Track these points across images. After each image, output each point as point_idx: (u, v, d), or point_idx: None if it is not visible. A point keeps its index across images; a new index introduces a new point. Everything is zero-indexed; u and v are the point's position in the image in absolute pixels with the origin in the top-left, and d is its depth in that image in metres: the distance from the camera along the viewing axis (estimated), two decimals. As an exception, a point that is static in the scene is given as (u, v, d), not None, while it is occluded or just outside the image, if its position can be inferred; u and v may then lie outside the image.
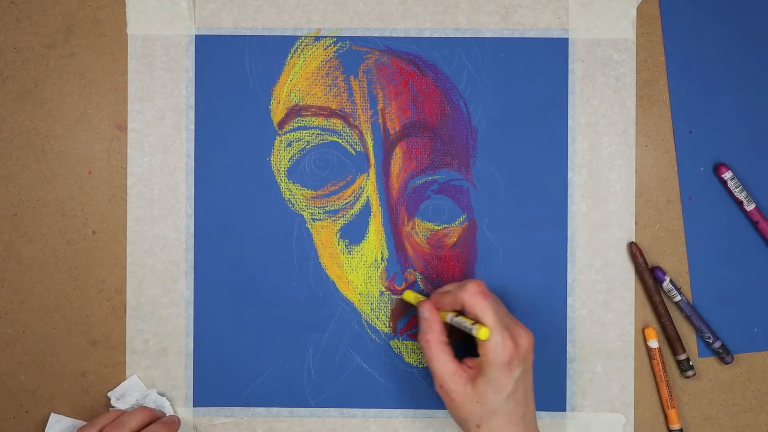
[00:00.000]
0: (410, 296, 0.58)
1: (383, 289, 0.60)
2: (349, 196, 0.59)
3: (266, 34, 0.60)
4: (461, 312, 0.54)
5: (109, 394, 0.59)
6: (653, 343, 0.59)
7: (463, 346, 0.56)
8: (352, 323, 0.60)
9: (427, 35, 0.60)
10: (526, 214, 0.60)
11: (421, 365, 0.60)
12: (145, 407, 0.57)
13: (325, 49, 0.60)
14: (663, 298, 0.59)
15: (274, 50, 0.60)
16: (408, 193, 0.59)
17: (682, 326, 0.60)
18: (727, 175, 0.58)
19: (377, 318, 0.60)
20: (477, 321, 0.52)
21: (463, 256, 0.60)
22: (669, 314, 0.59)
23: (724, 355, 0.59)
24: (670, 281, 0.59)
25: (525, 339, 0.52)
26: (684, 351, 0.59)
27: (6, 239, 0.60)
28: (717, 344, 0.59)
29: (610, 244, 0.60)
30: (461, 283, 0.54)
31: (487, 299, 0.52)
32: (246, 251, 0.60)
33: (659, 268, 0.59)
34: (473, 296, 0.52)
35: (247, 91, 0.60)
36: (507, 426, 0.52)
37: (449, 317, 0.54)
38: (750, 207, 0.58)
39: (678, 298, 0.59)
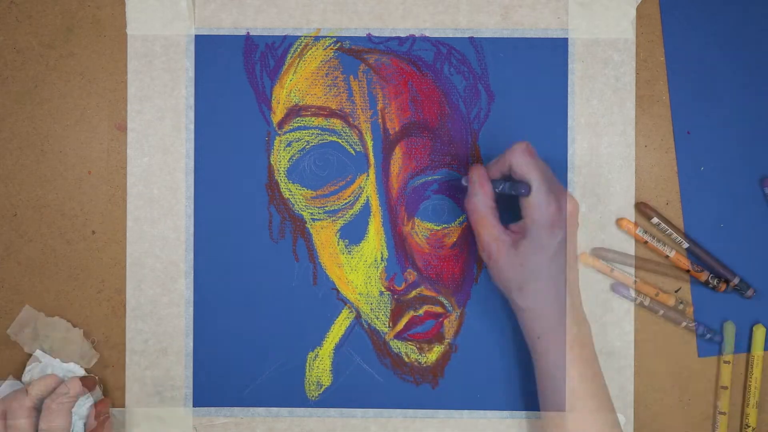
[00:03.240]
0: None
1: (383, 289, 0.60)
2: (349, 196, 0.59)
3: (266, 34, 0.60)
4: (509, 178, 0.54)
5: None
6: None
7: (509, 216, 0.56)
8: (352, 323, 0.60)
9: (427, 35, 0.60)
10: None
11: (421, 364, 0.60)
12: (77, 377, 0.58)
13: (325, 49, 0.60)
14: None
15: (274, 50, 0.60)
16: (408, 193, 0.59)
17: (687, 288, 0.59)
18: None
19: (377, 318, 0.60)
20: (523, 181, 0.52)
21: (463, 256, 0.60)
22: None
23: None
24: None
25: (570, 203, 0.52)
26: (734, 274, 0.59)
27: (6, 239, 0.60)
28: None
29: (610, 244, 0.60)
30: (509, 147, 0.54)
31: (534, 157, 0.52)
32: (246, 251, 0.60)
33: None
34: (520, 155, 0.52)
35: (247, 91, 0.60)
36: (549, 290, 0.52)
37: (498, 186, 0.54)
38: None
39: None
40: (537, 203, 0.52)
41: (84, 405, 0.57)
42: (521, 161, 0.52)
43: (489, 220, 0.53)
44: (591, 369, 0.53)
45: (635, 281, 0.59)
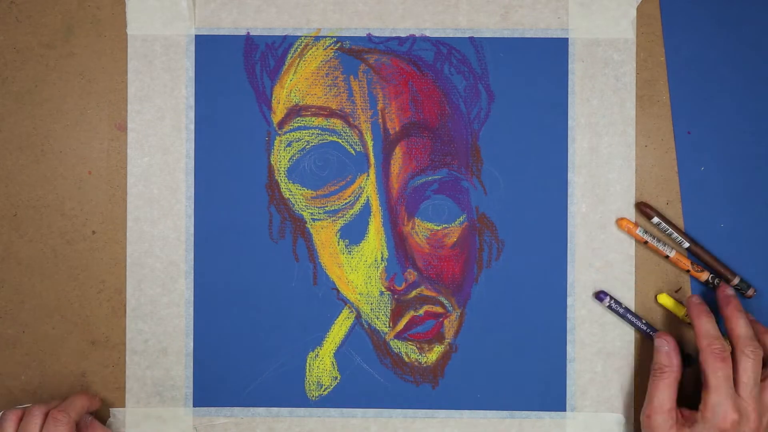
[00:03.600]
0: (668, 301, 0.59)
1: (383, 289, 0.60)
2: (349, 196, 0.59)
3: (266, 34, 0.60)
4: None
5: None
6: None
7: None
8: (352, 323, 0.60)
9: (427, 35, 0.60)
10: (526, 214, 0.60)
11: (421, 364, 0.60)
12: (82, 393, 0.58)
13: (325, 49, 0.60)
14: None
15: (274, 50, 0.60)
16: (408, 193, 0.59)
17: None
18: None
19: (377, 318, 0.60)
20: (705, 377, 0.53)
21: (463, 256, 0.60)
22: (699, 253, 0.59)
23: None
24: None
25: (752, 425, 0.52)
26: (735, 274, 0.59)
27: (6, 239, 0.60)
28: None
29: (610, 244, 0.60)
30: (709, 334, 0.54)
31: (724, 363, 0.52)
32: (246, 251, 0.60)
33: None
34: (710, 356, 0.53)
35: (247, 91, 0.60)
36: None
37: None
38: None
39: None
40: (714, 404, 0.52)
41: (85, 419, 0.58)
42: (711, 363, 0.53)
43: (668, 392, 0.54)
44: None
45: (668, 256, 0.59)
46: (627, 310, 0.59)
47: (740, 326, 0.54)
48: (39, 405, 0.55)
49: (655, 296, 0.59)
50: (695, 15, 0.60)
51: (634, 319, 0.59)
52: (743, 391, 0.53)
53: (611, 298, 0.59)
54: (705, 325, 0.55)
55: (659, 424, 0.53)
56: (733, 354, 0.54)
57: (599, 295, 0.59)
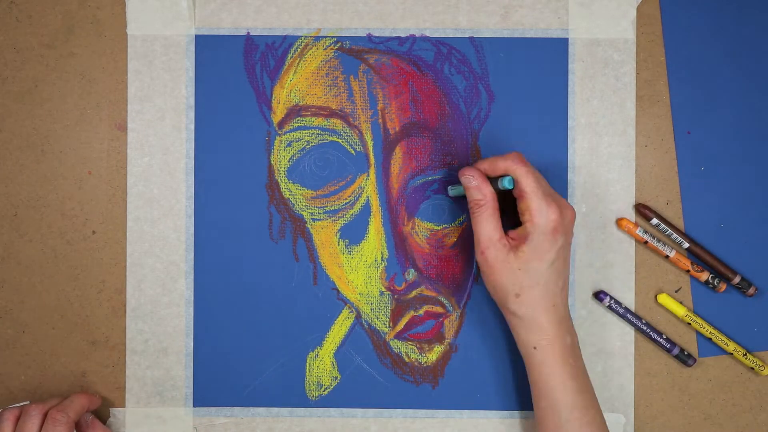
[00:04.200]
0: (668, 301, 0.59)
1: (383, 289, 0.60)
2: (349, 196, 0.59)
3: (266, 34, 0.60)
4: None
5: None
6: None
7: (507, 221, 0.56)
8: (352, 323, 0.60)
9: (427, 35, 0.60)
10: (526, 214, 0.59)
11: (421, 364, 0.60)
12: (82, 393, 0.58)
13: (325, 49, 0.60)
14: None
15: (274, 50, 0.60)
16: (408, 193, 0.59)
17: (689, 295, 0.59)
18: None
19: (377, 318, 0.60)
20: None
21: (463, 256, 0.60)
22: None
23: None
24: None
25: (569, 210, 0.53)
26: (735, 273, 0.59)
27: (6, 239, 0.60)
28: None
29: (610, 244, 0.60)
30: (501, 155, 0.54)
31: (528, 166, 0.53)
32: (246, 251, 0.60)
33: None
34: (514, 163, 0.53)
35: (247, 91, 0.60)
36: (545, 296, 0.53)
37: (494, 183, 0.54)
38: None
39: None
40: (538, 208, 0.52)
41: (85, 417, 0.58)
42: (516, 169, 0.53)
43: (491, 222, 0.53)
44: (585, 379, 0.54)
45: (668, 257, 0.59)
46: (627, 310, 0.59)
47: (501, 159, 0.54)
48: (37, 404, 0.55)
49: (655, 296, 0.59)
50: (695, 15, 0.60)
51: (634, 319, 0.59)
52: (546, 186, 0.53)
53: (611, 298, 0.59)
54: (492, 159, 0.54)
55: (495, 256, 0.53)
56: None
57: (599, 295, 0.59)
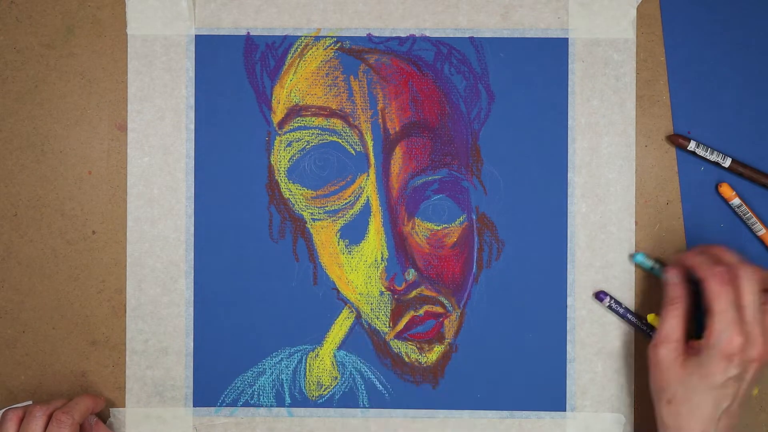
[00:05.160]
0: (654, 319, 0.59)
1: (383, 289, 0.60)
2: (349, 196, 0.59)
3: (266, 34, 0.60)
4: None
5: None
6: None
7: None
8: (352, 323, 0.60)
9: (427, 35, 0.60)
10: (526, 214, 0.60)
11: (421, 364, 0.60)
12: (87, 395, 0.58)
13: (325, 49, 0.60)
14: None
15: (274, 50, 0.60)
16: (408, 193, 0.59)
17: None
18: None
19: (377, 318, 0.60)
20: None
21: (463, 256, 0.60)
22: None
23: None
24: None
25: (757, 349, 0.50)
26: None
27: (6, 239, 0.60)
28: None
29: (610, 244, 0.60)
30: (712, 256, 0.53)
31: (726, 286, 0.51)
32: (246, 251, 0.60)
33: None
34: (713, 278, 0.51)
35: (247, 91, 0.60)
36: (695, 416, 0.51)
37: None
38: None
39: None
40: (719, 330, 0.51)
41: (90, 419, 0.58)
42: (713, 287, 0.51)
43: (676, 322, 0.53)
44: None
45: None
46: (627, 310, 0.59)
47: (728, 255, 0.53)
48: (41, 405, 0.55)
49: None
50: (695, 15, 0.60)
51: (634, 319, 0.59)
52: (747, 314, 0.51)
53: (611, 298, 0.59)
54: (700, 258, 0.53)
55: (664, 355, 0.52)
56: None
57: (599, 295, 0.59)
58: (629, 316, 0.59)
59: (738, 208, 0.58)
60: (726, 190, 0.58)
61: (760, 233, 0.58)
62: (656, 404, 0.54)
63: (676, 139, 0.58)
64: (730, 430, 0.52)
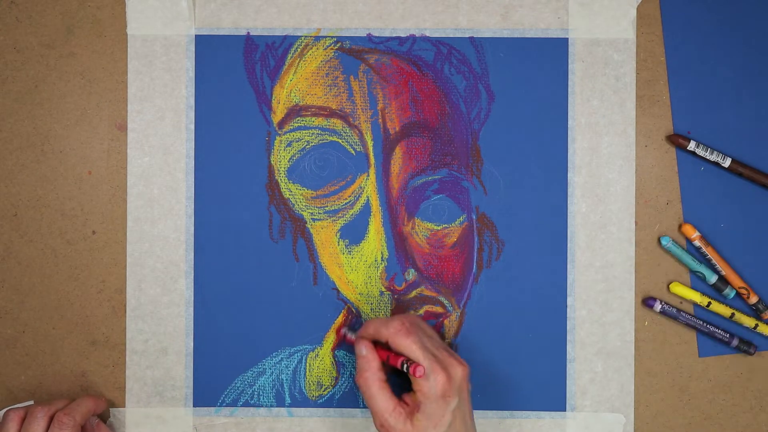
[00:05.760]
0: (682, 290, 0.59)
1: (383, 289, 0.60)
2: (349, 196, 0.59)
3: (266, 34, 0.60)
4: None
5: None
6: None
7: (398, 382, 0.56)
8: (352, 323, 0.60)
9: (427, 35, 0.60)
10: (526, 214, 0.60)
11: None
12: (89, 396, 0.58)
13: (325, 49, 0.60)
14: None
15: (274, 50, 0.60)
16: (408, 193, 0.59)
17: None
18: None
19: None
20: (407, 357, 0.52)
21: (463, 256, 0.60)
22: None
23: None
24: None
25: (458, 369, 0.52)
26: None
27: (6, 239, 0.60)
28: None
29: (610, 244, 0.60)
30: (386, 320, 0.54)
31: (410, 336, 0.52)
32: (246, 251, 0.60)
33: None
34: (396, 335, 0.53)
35: (247, 91, 0.60)
36: None
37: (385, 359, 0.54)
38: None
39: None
40: (423, 378, 0.51)
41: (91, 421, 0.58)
42: (398, 341, 0.52)
43: (382, 394, 0.53)
44: None
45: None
46: (680, 311, 0.58)
47: (392, 318, 0.54)
48: (42, 405, 0.55)
49: (668, 285, 0.59)
50: (695, 15, 0.60)
51: (691, 320, 0.58)
52: (432, 346, 0.53)
53: (662, 302, 0.59)
54: (377, 324, 0.54)
55: (393, 425, 0.52)
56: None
57: (648, 302, 0.59)
58: (684, 316, 0.58)
59: (699, 250, 0.59)
60: (688, 230, 0.59)
61: (720, 273, 0.59)
62: None
63: (676, 139, 0.58)
64: None
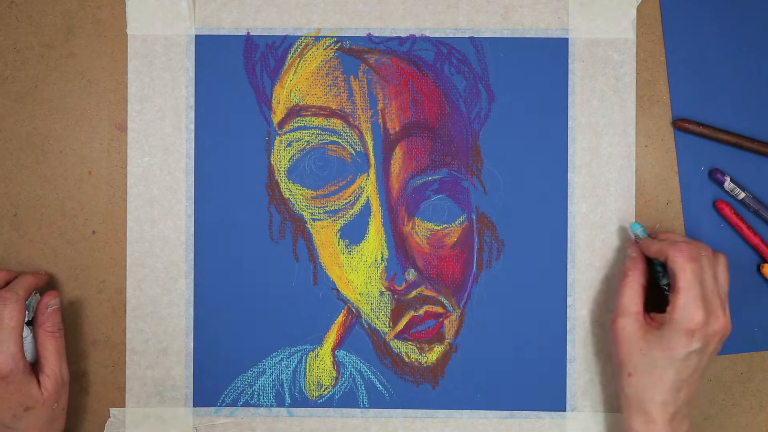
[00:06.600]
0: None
1: (383, 289, 0.60)
2: (349, 196, 0.59)
3: (266, 34, 0.60)
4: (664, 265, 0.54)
5: None
6: None
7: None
8: (352, 323, 0.60)
9: (427, 35, 0.60)
10: (526, 214, 0.60)
11: (421, 364, 0.60)
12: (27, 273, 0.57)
13: (325, 49, 0.60)
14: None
15: (274, 50, 0.60)
16: (408, 193, 0.59)
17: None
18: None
19: (377, 318, 0.60)
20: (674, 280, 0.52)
21: (463, 256, 0.60)
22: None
23: None
24: (731, 180, 0.58)
25: (719, 321, 0.51)
26: None
27: (6, 239, 0.60)
28: None
29: (610, 244, 0.60)
30: (674, 240, 0.54)
31: (692, 263, 0.51)
32: (246, 251, 0.60)
33: (717, 171, 0.58)
34: (678, 255, 0.51)
35: (247, 91, 0.60)
36: (656, 388, 0.51)
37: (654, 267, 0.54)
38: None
39: (742, 195, 0.58)
40: (682, 305, 0.51)
41: (32, 299, 0.57)
42: (678, 263, 0.51)
43: (633, 294, 0.53)
44: None
45: None
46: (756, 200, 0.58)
47: (687, 240, 0.54)
48: None
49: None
50: (695, 15, 0.60)
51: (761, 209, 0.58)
52: (708, 289, 0.52)
53: (732, 180, 0.58)
54: (671, 237, 0.54)
55: (624, 327, 0.53)
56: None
57: (716, 175, 0.58)
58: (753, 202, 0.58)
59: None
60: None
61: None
62: (617, 377, 0.54)
63: (682, 124, 0.58)
64: (690, 400, 0.53)
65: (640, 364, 0.52)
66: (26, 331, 0.55)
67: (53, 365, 0.55)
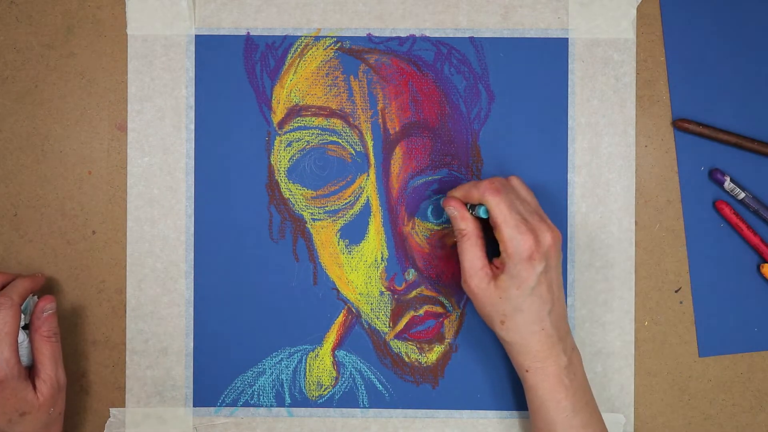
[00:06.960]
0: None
1: (383, 289, 0.60)
2: (349, 196, 0.59)
3: (266, 34, 0.60)
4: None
5: None
6: None
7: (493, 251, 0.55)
8: (352, 323, 0.60)
9: (427, 35, 0.60)
10: (526, 214, 0.59)
11: (421, 364, 0.60)
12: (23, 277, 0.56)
13: (325, 49, 0.60)
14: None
15: (274, 50, 0.60)
16: (408, 193, 0.59)
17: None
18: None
19: (377, 318, 0.60)
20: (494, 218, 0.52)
21: (463, 256, 0.60)
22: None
23: None
24: (731, 180, 0.58)
25: (547, 235, 0.52)
26: None
27: (6, 239, 0.60)
28: None
29: (610, 244, 0.60)
30: (476, 182, 0.54)
31: (499, 194, 0.52)
32: (246, 251, 0.60)
33: (717, 171, 0.58)
34: (485, 193, 0.52)
35: (247, 91, 0.60)
36: (531, 322, 0.53)
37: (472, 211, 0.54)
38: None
39: (742, 195, 0.58)
40: (509, 237, 0.52)
41: (29, 302, 0.56)
42: (488, 199, 0.52)
43: (474, 251, 0.54)
44: (583, 398, 0.54)
45: None
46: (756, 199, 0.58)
47: (488, 179, 0.54)
48: None
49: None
50: (695, 15, 0.60)
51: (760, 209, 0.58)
52: (522, 210, 0.53)
53: (732, 179, 0.58)
54: (467, 185, 0.54)
55: (477, 284, 0.53)
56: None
57: (715, 175, 0.58)
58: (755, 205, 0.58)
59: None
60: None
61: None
62: (493, 329, 0.54)
63: (682, 124, 0.58)
64: (562, 317, 0.54)
65: (505, 309, 0.53)
66: (22, 336, 0.54)
67: (49, 370, 0.55)
